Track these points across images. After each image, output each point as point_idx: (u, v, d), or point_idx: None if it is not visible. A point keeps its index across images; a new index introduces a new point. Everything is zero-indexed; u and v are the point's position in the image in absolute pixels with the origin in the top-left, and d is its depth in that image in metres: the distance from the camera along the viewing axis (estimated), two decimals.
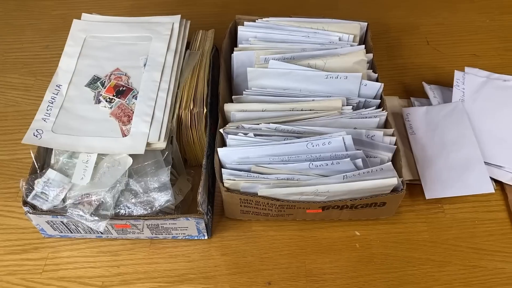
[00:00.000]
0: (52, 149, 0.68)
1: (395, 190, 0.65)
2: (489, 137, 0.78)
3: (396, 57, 0.96)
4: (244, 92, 0.74)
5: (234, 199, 0.66)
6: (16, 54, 0.96)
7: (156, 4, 1.06)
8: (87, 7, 1.04)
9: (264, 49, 0.78)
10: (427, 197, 0.72)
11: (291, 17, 0.83)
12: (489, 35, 0.99)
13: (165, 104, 0.69)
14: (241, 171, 0.65)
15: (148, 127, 0.66)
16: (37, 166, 0.67)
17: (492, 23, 1.02)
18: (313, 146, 0.64)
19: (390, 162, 0.62)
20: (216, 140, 0.69)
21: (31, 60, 0.95)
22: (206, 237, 0.69)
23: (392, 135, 0.69)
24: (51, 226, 0.66)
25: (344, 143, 0.63)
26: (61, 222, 0.65)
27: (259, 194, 0.63)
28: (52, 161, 0.67)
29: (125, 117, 0.68)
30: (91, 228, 0.66)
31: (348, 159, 0.61)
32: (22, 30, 1.01)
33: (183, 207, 0.71)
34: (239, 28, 0.82)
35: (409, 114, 0.82)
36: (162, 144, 0.66)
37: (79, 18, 0.80)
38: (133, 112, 0.68)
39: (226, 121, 0.73)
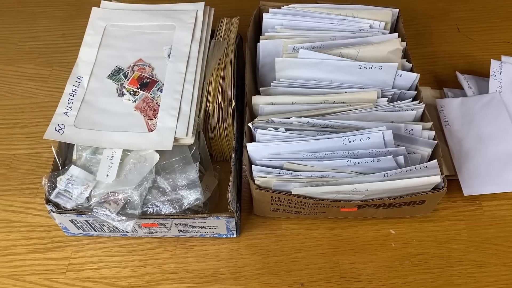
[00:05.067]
0: (73, 144, 0.65)
1: (435, 187, 0.61)
2: None
3: (425, 45, 0.91)
4: (272, 83, 0.71)
5: (265, 197, 0.63)
6: (31, 44, 0.92)
7: None
8: None
9: (291, 37, 0.74)
10: (465, 194, 0.69)
11: (317, 3, 0.79)
12: None
13: (191, 97, 0.66)
14: (272, 168, 0.62)
15: (175, 122, 0.63)
16: (59, 162, 0.64)
17: None
18: (349, 142, 0.61)
19: (436, 160, 0.58)
20: (244, 135, 0.66)
21: (47, 50, 0.91)
22: (235, 236, 0.67)
23: (431, 129, 0.65)
24: (74, 225, 0.64)
25: (384, 139, 0.60)
26: (86, 221, 0.62)
27: (293, 193, 0.60)
28: (74, 157, 0.64)
29: (150, 110, 0.65)
30: (116, 227, 0.64)
31: (391, 156, 0.58)
32: (35, 18, 0.97)
33: (210, 203, 0.68)
34: (264, 15, 0.77)
35: (444, 105, 0.78)
36: (190, 140, 0.63)
37: (94, 6, 0.76)
38: (158, 105, 0.65)
39: (253, 114, 0.70)
